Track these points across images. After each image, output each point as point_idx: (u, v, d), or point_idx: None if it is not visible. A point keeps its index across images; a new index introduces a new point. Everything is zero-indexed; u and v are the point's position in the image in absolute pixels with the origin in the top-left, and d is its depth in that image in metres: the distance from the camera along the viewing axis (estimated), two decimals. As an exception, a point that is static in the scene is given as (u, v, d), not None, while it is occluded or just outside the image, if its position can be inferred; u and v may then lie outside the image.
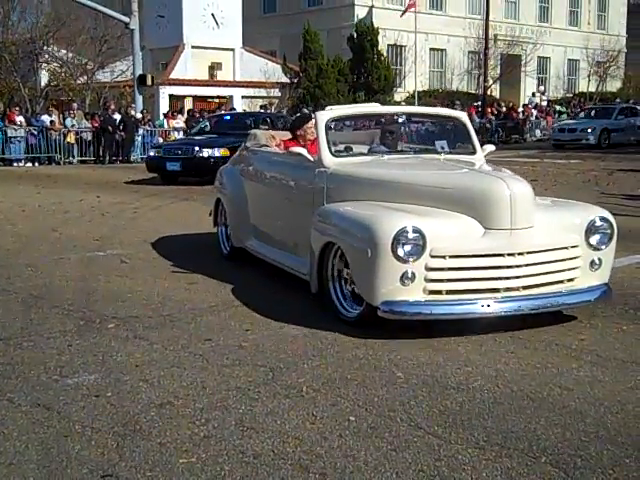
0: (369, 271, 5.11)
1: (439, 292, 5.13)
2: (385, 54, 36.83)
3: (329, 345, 5.09)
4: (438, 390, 4.27)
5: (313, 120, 7.22)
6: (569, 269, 5.48)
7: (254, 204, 7.63)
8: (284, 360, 4.80)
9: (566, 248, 5.44)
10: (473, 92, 40.88)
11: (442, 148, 6.83)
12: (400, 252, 4.99)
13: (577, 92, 46.58)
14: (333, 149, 6.41)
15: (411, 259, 5.01)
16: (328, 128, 6.48)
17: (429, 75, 42.81)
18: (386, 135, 7.05)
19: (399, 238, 4.98)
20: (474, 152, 6.85)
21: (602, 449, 3.54)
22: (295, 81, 34.14)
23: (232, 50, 36.76)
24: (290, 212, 6.80)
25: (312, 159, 6.42)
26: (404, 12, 36.00)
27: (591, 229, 5.53)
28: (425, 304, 5.12)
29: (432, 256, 5.06)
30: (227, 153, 16.35)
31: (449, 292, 5.14)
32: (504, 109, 35.94)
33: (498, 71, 41.71)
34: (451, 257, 5.10)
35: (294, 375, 4.53)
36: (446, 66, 43.50)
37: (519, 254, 5.20)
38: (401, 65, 40.65)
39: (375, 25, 35.80)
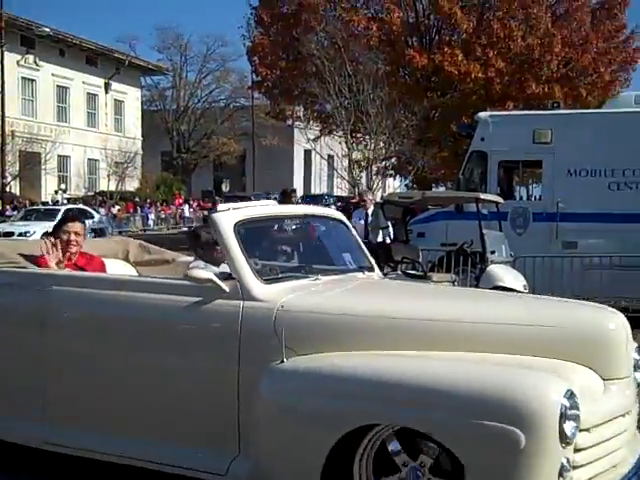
0: (518, 470, 3.25)
1: None
2: None
3: None
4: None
5: (77, 222, 5.22)
6: None
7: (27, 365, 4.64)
8: None
9: None
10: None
11: (350, 264, 5.02)
12: (567, 430, 3.31)
13: (98, 190, 47.69)
14: (257, 270, 4.18)
15: (573, 439, 3.37)
16: (240, 237, 4.18)
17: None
18: (285, 247, 5.01)
19: (566, 411, 3.32)
20: (372, 268, 5.09)
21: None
22: None
23: None
24: (153, 377, 4.27)
25: (227, 289, 4.10)
26: None
27: None
28: None
29: (581, 430, 3.43)
30: None
31: None
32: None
33: (17, 167, 40.93)
34: (594, 427, 3.55)
35: None
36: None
37: (627, 413, 3.86)
38: None
39: None
